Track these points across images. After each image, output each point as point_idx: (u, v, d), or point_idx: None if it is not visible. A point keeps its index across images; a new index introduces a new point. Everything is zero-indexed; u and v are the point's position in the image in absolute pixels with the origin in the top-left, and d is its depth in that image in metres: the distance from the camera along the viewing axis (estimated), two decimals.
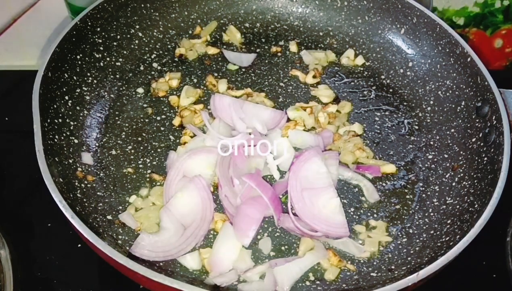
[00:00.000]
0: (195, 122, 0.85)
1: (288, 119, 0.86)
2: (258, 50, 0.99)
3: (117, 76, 0.91)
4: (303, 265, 0.69)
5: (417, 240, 0.73)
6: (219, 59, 0.97)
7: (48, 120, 0.74)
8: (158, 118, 0.87)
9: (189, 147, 0.81)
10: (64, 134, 0.77)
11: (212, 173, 0.77)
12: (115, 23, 0.92)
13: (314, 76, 0.93)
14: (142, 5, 0.95)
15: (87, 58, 0.87)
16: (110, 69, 0.91)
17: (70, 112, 0.81)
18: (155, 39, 0.98)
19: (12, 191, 0.83)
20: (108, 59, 0.91)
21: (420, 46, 0.94)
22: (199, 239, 0.71)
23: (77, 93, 0.83)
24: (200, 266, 0.69)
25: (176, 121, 0.85)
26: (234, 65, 0.95)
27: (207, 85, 0.92)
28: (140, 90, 0.91)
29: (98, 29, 0.89)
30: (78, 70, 0.85)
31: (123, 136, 0.84)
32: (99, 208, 0.74)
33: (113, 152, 0.81)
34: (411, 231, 0.75)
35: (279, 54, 0.98)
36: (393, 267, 0.70)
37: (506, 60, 1.28)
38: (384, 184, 0.80)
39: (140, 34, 0.96)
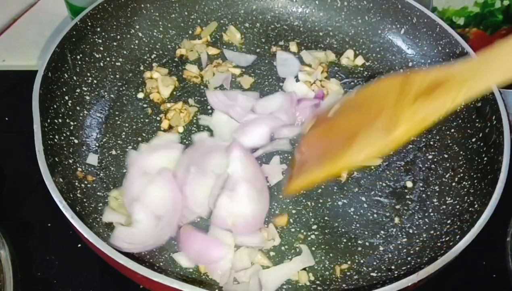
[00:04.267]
0: (184, 120, 0.86)
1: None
2: (258, 50, 0.99)
3: (117, 76, 0.91)
4: (288, 269, 0.69)
5: (417, 240, 0.73)
6: (220, 59, 0.97)
7: (48, 120, 0.74)
8: (158, 118, 0.87)
9: (153, 143, 0.82)
10: (64, 134, 0.77)
11: (174, 167, 0.77)
12: (115, 23, 0.92)
13: (322, 72, 0.94)
14: (142, 5, 0.95)
15: (87, 58, 0.87)
16: (110, 69, 0.91)
17: (70, 112, 0.81)
18: (155, 39, 0.98)
19: (12, 191, 0.83)
20: (108, 59, 0.91)
21: (420, 46, 0.94)
22: (174, 228, 0.71)
23: (77, 93, 0.83)
24: (193, 264, 0.69)
25: (165, 125, 0.85)
26: (235, 67, 0.95)
27: (185, 77, 0.93)
28: (140, 90, 0.91)
29: (98, 29, 0.89)
30: (78, 70, 0.85)
31: (123, 136, 0.84)
32: (99, 208, 0.74)
33: (113, 152, 0.81)
34: (411, 231, 0.75)
35: None
36: (393, 267, 0.70)
37: None
38: (384, 184, 0.80)
39: (140, 34, 0.96)
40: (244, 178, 0.74)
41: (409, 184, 0.80)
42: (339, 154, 0.64)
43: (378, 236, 0.74)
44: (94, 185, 0.76)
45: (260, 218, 0.73)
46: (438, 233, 0.72)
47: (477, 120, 0.80)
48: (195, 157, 0.78)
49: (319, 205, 0.77)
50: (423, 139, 0.86)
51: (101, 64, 0.90)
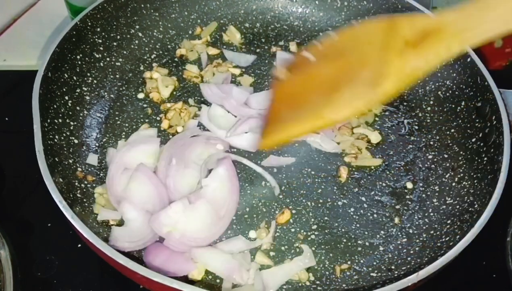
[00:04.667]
0: (184, 120, 0.86)
1: None
2: (258, 50, 0.99)
3: (117, 76, 0.91)
4: (289, 269, 0.69)
5: (417, 240, 0.73)
6: (220, 59, 0.97)
7: (48, 121, 0.74)
8: (158, 118, 0.87)
9: (130, 139, 0.82)
10: (64, 135, 0.77)
11: (153, 161, 0.78)
12: (115, 23, 0.92)
13: None
14: (142, 5, 0.95)
15: (87, 58, 0.87)
16: (110, 69, 0.91)
17: (70, 112, 0.81)
18: (155, 39, 0.98)
19: (12, 191, 0.83)
20: (108, 59, 0.91)
21: None
22: None
23: (77, 94, 0.83)
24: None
25: (165, 125, 0.85)
26: (235, 67, 0.95)
27: (185, 77, 0.93)
28: (140, 90, 0.91)
29: (98, 29, 0.89)
30: (78, 70, 0.85)
31: (123, 136, 0.84)
32: None
33: None
34: (411, 231, 0.75)
35: None
36: (393, 267, 0.70)
37: (506, 60, 1.27)
38: (384, 184, 0.80)
39: (140, 34, 0.96)
40: (211, 200, 0.73)
41: (409, 184, 0.80)
42: (319, 108, 0.58)
43: (378, 236, 0.74)
44: (94, 185, 0.76)
45: (201, 243, 0.70)
46: (438, 233, 0.72)
47: (477, 120, 0.80)
48: (176, 149, 0.79)
49: (319, 205, 0.77)
50: (423, 140, 0.86)
51: (101, 64, 0.90)
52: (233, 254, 0.70)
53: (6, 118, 0.93)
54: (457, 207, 0.74)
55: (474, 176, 0.75)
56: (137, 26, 0.96)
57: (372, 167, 0.82)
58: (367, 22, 0.60)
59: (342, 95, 0.57)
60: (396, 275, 0.68)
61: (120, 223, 0.73)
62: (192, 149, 0.79)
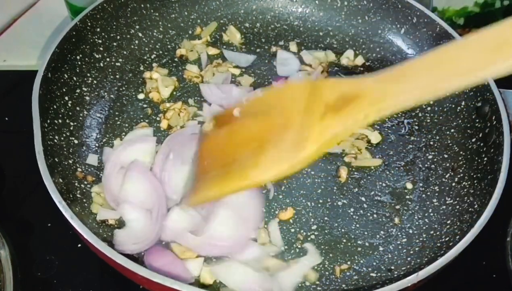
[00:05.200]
0: (184, 120, 0.86)
1: None
2: (258, 50, 0.99)
3: (117, 76, 0.91)
4: (298, 269, 0.69)
5: (417, 240, 0.73)
6: (220, 59, 0.97)
7: (48, 121, 0.74)
8: (158, 118, 0.87)
9: (127, 138, 0.82)
10: (64, 135, 0.77)
11: (149, 160, 0.78)
12: (115, 23, 0.92)
13: (322, 72, 0.94)
14: (142, 5, 0.95)
15: (87, 59, 0.87)
16: (110, 70, 0.91)
17: (70, 113, 0.81)
18: (155, 39, 0.98)
19: (12, 191, 0.83)
20: (108, 59, 0.91)
21: (420, 46, 0.94)
22: (166, 217, 0.72)
23: (77, 94, 0.83)
24: (198, 274, 0.69)
25: (164, 124, 0.85)
26: (235, 67, 0.95)
27: (186, 77, 0.93)
28: (140, 90, 0.91)
29: (98, 29, 0.89)
30: (78, 70, 0.85)
31: (123, 136, 0.84)
32: None
33: None
34: (410, 231, 0.75)
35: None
36: (392, 267, 0.70)
37: None
38: (384, 184, 0.80)
39: (140, 34, 0.96)
40: (232, 205, 0.72)
41: (409, 184, 0.80)
42: (245, 168, 0.60)
43: (378, 236, 0.74)
44: (94, 185, 0.76)
45: (227, 250, 0.70)
46: (438, 233, 0.72)
47: (477, 120, 0.80)
48: (175, 144, 0.79)
49: (319, 205, 0.77)
50: (423, 140, 0.86)
51: (101, 64, 0.90)
52: (249, 263, 0.69)
53: (6, 118, 0.93)
54: (457, 207, 0.74)
55: (474, 176, 0.75)
56: (137, 26, 0.96)
57: (372, 167, 0.82)
58: (291, 83, 0.62)
59: (267, 157, 0.58)
60: (396, 275, 0.68)
61: (121, 225, 0.73)
62: (190, 146, 0.79)
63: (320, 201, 0.77)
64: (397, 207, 0.78)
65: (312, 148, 0.56)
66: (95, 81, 0.88)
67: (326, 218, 0.76)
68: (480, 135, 0.78)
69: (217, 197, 0.69)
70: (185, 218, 0.71)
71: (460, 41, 0.53)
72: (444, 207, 0.76)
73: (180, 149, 0.78)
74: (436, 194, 0.78)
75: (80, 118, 0.82)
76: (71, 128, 0.80)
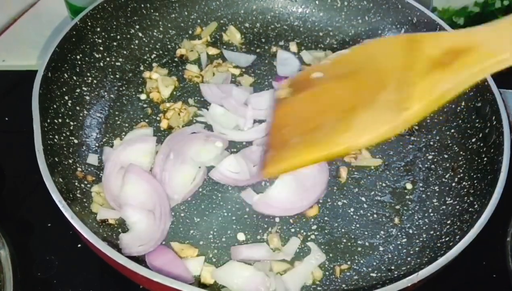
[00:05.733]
0: (184, 120, 0.86)
1: None
2: (258, 50, 0.99)
3: (117, 76, 0.91)
4: (304, 269, 0.69)
5: (417, 240, 0.73)
6: (220, 59, 0.97)
7: (48, 120, 0.74)
8: (158, 118, 0.87)
9: (126, 138, 0.82)
10: (64, 135, 0.77)
11: (149, 160, 0.78)
12: (115, 23, 0.92)
13: None
14: (142, 5, 0.95)
15: (87, 58, 0.87)
16: (110, 69, 0.91)
17: (70, 112, 0.81)
18: (155, 39, 0.98)
19: (12, 191, 0.83)
20: (108, 59, 0.91)
21: None
22: (169, 216, 0.73)
23: (77, 94, 0.83)
24: (198, 273, 0.69)
25: (164, 124, 0.85)
26: (235, 67, 0.95)
27: (186, 77, 0.93)
28: (140, 90, 0.91)
29: (98, 29, 0.89)
30: (78, 70, 0.85)
31: (123, 136, 0.84)
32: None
33: None
34: (411, 231, 0.75)
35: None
36: (392, 267, 0.70)
37: None
38: (384, 184, 0.80)
39: (140, 34, 0.96)
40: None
41: (409, 184, 0.80)
42: (335, 134, 0.53)
43: (378, 236, 0.74)
44: (94, 184, 0.76)
45: (283, 212, 0.75)
46: (438, 233, 0.72)
47: (477, 120, 0.80)
48: (175, 143, 0.79)
49: (319, 205, 0.77)
50: (423, 140, 0.86)
51: (101, 64, 0.90)
52: (253, 263, 0.69)
53: (6, 118, 0.93)
54: (457, 207, 0.74)
55: (474, 176, 0.75)
56: (137, 26, 0.96)
57: (372, 167, 0.82)
58: (383, 39, 0.56)
59: (361, 119, 0.52)
60: (396, 275, 0.68)
61: (121, 226, 0.73)
62: (190, 145, 0.80)
63: (320, 201, 0.77)
64: (397, 207, 0.78)
65: (418, 107, 0.50)
66: (95, 81, 0.88)
67: (326, 218, 0.76)
68: (480, 135, 0.78)
69: (299, 166, 0.59)
70: (235, 166, 0.76)
71: None
72: (444, 207, 0.76)
73: (181, 148, 0.79)
74: (436, 194, 0.78)
75: (80, 118, 0.82)
76: (71, 128, 0.80)
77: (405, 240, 0.74)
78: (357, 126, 0.52)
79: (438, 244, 0.70)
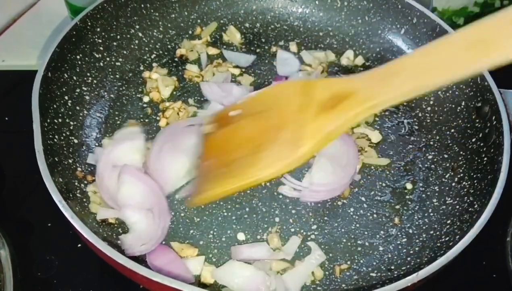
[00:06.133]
0: (183, 119, 0.86)
1: None
2: (258, 50, 0.99)
3: (117, 76, 0.91)
4: (305, 268, 0.69)
5: (417, 240, 0.73)
6: (220, 59, 0.97)
7: (48, 120, 0.74)
8: (158, 118, 0.87)
9: (115, 137, 0.82)
10: (64, 134, 0.77)
11: (140, 157, 0.78)
12: (115, 23, 0.92)
13: (322, 72, 0.94)
14: (142, 5, 0.95)
15: (87, 58, 0.87)
16: (110, 69, 0.91)
17: (70, 112, 0.81)
18: (155, 39, 0.98)
19: (12, 191, 0.83)
20: (108, 59, 0.91)
21: (420, 46, 0.93)
22: (168, 213, 0.73)
23: (77, 93, 0.83)
24: (198, 273, 0.69)
25: (163, 123, 0.85)
26: (235, 67, 0.95)
27: (186, 77, 0.93)
28: (140, 90, 0.91)
29: (98, 29, 0.89)
30: (78, 70, 0.85)
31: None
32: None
33: None
34: (410, 231, 0.75)
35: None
36: (392, 267, 0.70)
37: None
38: (384, 184, 0.80)
39: (140, 34, 0.96)
40: (328, 153, 0.76)
41: (409, 184, 0.80)
42: (245, 167, 0.61)
43: (378, 236, 0.74)
44: (89, 184, 0.76)
45: (326, 195, 0.77)
46: (438, 233, 0.72)
47: (477, 120, 0.80)
48: (170, 135, 0.79)
49: (319, 205, 0.77)
50: (423, 140, 0.86)
51: (101, 64, 0.90)
52: (253, 263, 0.69)
53: (6, 118, 0.93)
54: (457, 207, 0.74)
55: (474, 176, 0.75)
56: (137, 26, 0.96)
57: (372, 167, 0.82)
58: (287, 82, 0.64)
59: (266, 155, 0.60)
60: (396, 275, 0.69)
61: (121, 225, 0.73)
62: (186, 138, 0.79)
63: (320, 201, 0.77)
64: (397, 207, 0.78)
65: (308, 146, 0.57)
66: (95, 81, 0.88)
67: (326, 218, 0.76)
68: (480, 135, 0.78)
69: (220, 196, 0.70)
70: None
71: (444, 38, 0.54)
72: (444, 207, 0.76)
73: (176, 140, 0.79)
74: (436, 194, 0.78)
75: (80, 117, 0.82)
76: (71, 127, 0.80)
77: (405, 240, 0.74)
78: (263, 161, 0.60)
79: (438, 244, 0.70)
